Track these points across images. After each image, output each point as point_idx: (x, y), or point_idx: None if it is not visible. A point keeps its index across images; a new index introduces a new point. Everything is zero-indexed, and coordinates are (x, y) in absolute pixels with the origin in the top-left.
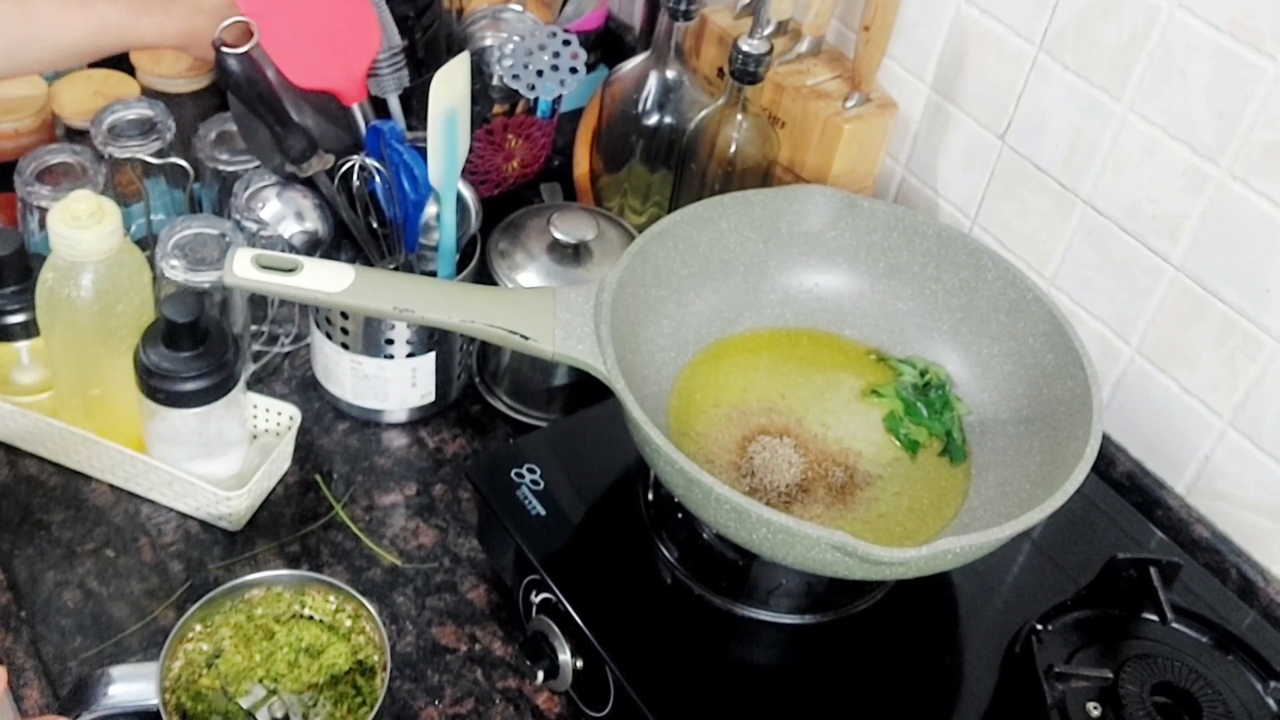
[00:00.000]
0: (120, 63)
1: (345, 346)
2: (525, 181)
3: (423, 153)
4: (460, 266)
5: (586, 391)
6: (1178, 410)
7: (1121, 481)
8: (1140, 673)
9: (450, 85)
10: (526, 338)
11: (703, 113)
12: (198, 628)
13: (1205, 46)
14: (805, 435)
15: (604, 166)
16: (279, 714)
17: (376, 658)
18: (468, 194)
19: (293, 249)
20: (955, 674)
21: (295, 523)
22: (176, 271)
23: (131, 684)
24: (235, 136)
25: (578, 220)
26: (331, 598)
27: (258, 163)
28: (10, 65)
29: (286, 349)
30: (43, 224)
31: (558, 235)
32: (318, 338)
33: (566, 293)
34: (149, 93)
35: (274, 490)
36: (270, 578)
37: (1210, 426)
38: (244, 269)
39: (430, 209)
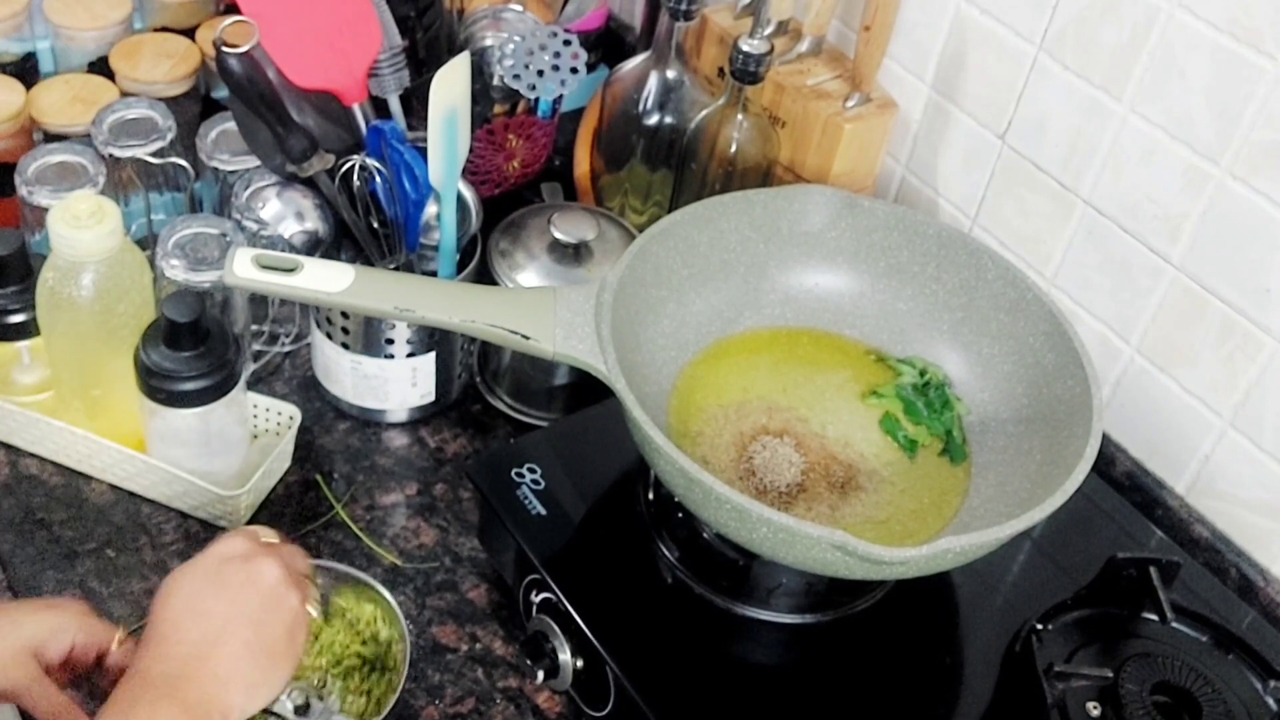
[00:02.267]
0: (100, 68)
1: (345, 346)
2: (526, 181)
3: (423, 153)
4: (461, 266)
5: (587, 391)
6: (1178, 410)
7: (1121, 481)
8: (1140, 672)
9: (451, 85)
10: (527, 338)
11: (703, 112)
12: None
13: (1205, 46)
14: (806, 435)
15: (604, 166)
16: (299, 700)
17: (395, 638)
18: (468, 194)
19: (293, 249)
20: (955, 673)
21: (295, 522)
22: (177, 271)
23: None
24: (235, 136)
25: (578, 220)
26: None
27: (258, 162)
28: None
29: (287, 349)
30: (42, 224)
31: (558, 235)
32: (318, 337)
33: (567, 292)
34: (128, 97)
35: (274, 490)
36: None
37: (1210, 426)
38: (244, 269)
39: (431, 209)
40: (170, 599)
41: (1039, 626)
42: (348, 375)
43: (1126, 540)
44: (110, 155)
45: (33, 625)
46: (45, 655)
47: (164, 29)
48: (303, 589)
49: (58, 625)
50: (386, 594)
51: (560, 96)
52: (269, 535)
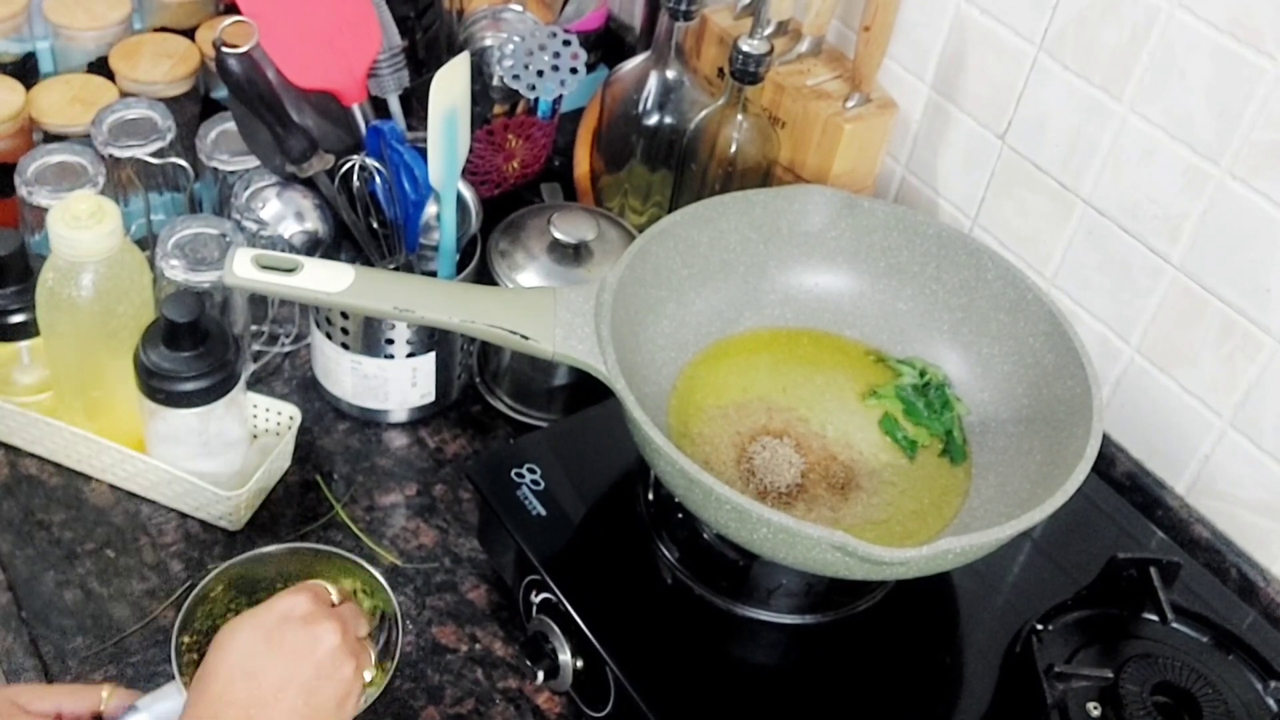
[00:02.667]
0: (99, 68)
1: (345, 346)
2: (525, 181)
3: (423, 153)
4: (460, 266)
5: (587, 391)
6: (1178, 410)
7: (1121, 481)
8: (1140, 672)
9: (450, 85)
10: (527, 338)
11: (703, 113)
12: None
13: (1205, 46)
14: (806, 435)
15: (604, 166)
16: None
17: (380, 604)
18: (468, 194)
19: (293, 249)
20: (955, 674)
21: (295, 523)
22: (176, 271)
23: (160, 704)
24: (235, 136)
25: (578, 220)
26: (345, 580)
27: (258, 163)
28: None
29: (287, 349)
30: (42, 224)
31: (558, 235)
32: (318, 338)
33: (567, 293)
34: (127, 97)
35: (274, 490)
36: (288, 549)
37: (1210, 426)
38: (244, 269)
39: (430, 209)
40: (226, 653)
41: (1039, 627)
42: (348, 375)
43: (1127, 541)
44: (110, 155)
45: (15, 689)
46: (28, 708)
47: (164, 29)
48: (359, 656)
49: (41, 691)
50: (365, 565)
51: (560, 97)
52: (333, 593)
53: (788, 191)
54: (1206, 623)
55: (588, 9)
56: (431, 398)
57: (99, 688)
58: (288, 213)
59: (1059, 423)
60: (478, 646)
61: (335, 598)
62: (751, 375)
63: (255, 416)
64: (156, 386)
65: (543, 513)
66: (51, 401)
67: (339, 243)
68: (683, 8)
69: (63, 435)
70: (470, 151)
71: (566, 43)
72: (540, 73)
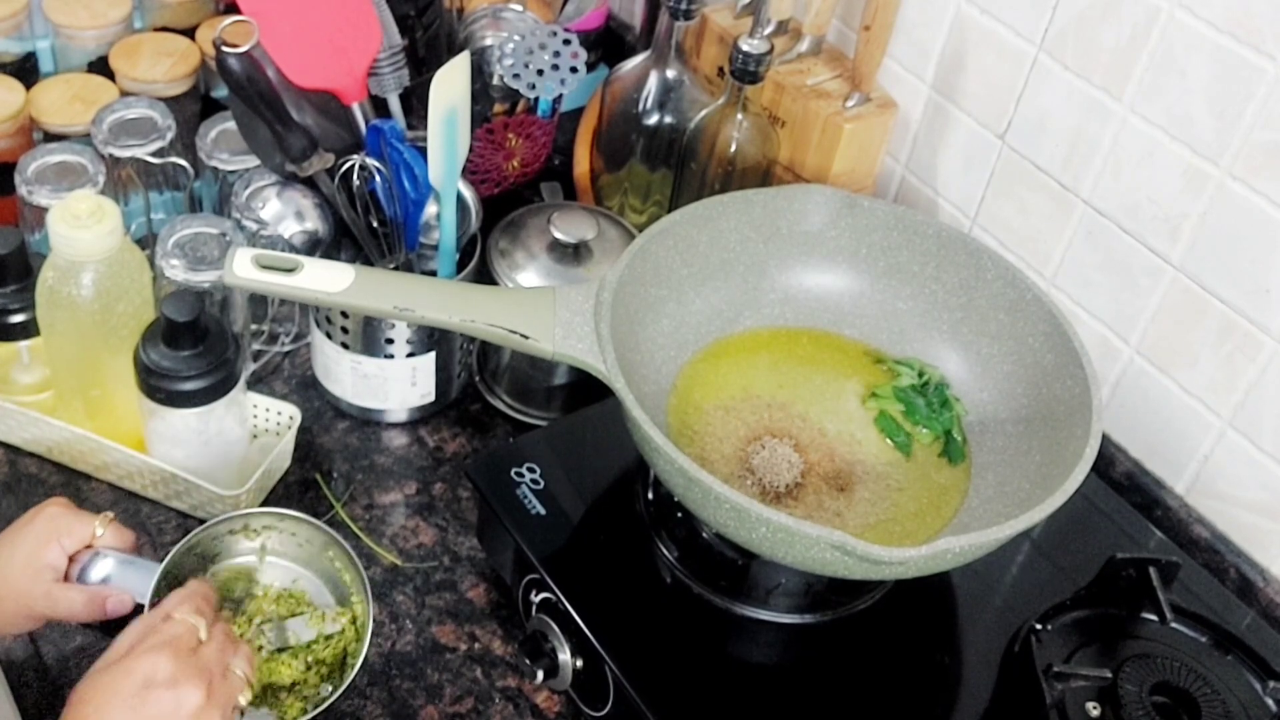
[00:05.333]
0: (99, 68)
1: (345, 346)
2: (525, 181)
3: (423, 152)
4: (460, 266)
5: (586, 390)
6: (1177, 410)
7: (1121, 481)
8: (1139, 672)
9: (450, 84)
10: (527, 337)
11: (703, 112)
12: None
13: (1205, 46)
14: (805, 434)
15: (604, 166)
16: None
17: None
18: (468, 193)
19: (293, 248)
20: (955, 674)
21: None
22: (176, 271)
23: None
24: (235, 136)
25: (578, 219)
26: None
27: (258, 162)
28: None
29: (286, 348)
30: (42, 223)
31: (558, 234)
32: (318, 337)
33: (566, 292)
34: (127, 96)
35: (274, 489)
36: (248, 514)
37: (1210, 426)
38: (244, 268)
39: (430, 208)
40: None
41: (1038, 627)
42: (347, 375)
43: (1126, 541)
44: (110, 155)
45: (23, 552)
46: (54, 567)
47: (164, 28)
48: (225, 706)
49: (43, 535)
50: (333, 533)
51: (560, 96)
52: (201, 628)
53: (787, 191)
54: (1205, 623)
55: (588, 8)
56: (431, 397)
57: (92, 519)
58: (288, 212)
59: (1058, 423)
60: (477, 645)
61: (203, 633)
62: (751, 374)
63: (255, 416)
64: (156, 386)
65: (542, 512)
66: (51, 401)
67: (339, 242)
68: (683, 7)
69: (62, 434)
70: (470, 151)
71: (566, 42)
72: (540, 72)
